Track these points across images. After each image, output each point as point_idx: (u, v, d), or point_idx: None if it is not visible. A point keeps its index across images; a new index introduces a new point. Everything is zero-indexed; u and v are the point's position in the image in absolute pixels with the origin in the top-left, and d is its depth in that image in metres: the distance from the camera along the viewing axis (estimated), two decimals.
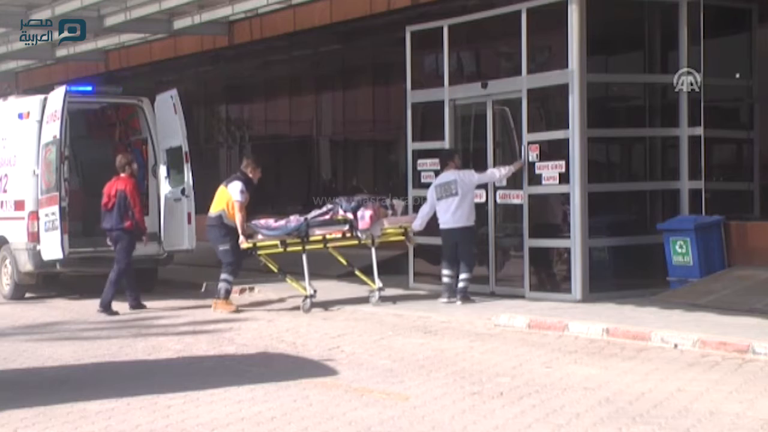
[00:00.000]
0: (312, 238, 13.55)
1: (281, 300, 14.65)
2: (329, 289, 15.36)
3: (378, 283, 13.47)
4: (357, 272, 13.87)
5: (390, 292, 13.86)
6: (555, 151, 13.24)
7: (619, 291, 12.95)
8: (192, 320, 13.11)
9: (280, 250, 13.58)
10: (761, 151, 14.25)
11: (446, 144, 14.50)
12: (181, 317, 13.44)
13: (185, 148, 15.71)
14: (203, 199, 15.80)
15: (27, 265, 15.46)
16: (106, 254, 15.76)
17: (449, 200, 13.33)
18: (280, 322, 12.61)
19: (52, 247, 14.63)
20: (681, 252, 12.89)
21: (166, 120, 16.03)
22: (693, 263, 12.81)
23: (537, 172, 13.32)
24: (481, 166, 13.93)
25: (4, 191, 16.11)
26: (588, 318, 11.27)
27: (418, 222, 13.66)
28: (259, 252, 13.65)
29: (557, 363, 9.34)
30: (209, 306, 14.22)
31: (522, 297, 13.37)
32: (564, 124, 12.95)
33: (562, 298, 12.92)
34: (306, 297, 13.44)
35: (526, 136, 13.40)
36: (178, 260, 16.77)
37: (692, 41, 13.31)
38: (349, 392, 8.25)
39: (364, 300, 13.72)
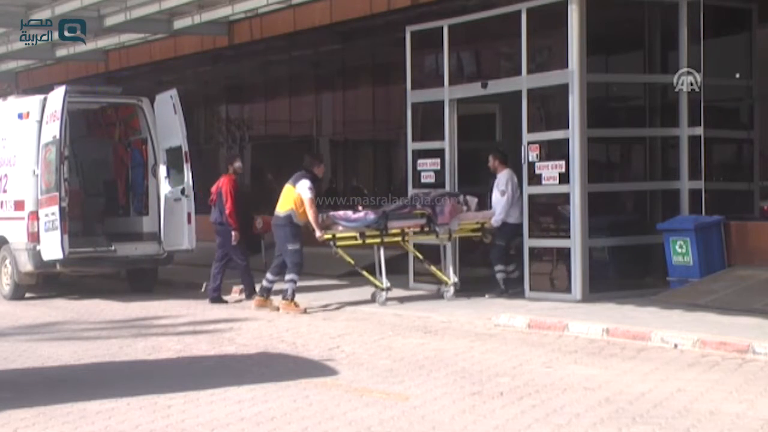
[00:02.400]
0: (390, 231, 13.59)
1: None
2: (329, 289, 15.39)
3: (386, 283, 13.49)
4: (364, 272, 13.84)
5: (390, 292, 13.85)
6: (555, 151, 13.24)
7: (619, 291, 12.94)
8: (192, 320, 13.11)
9: (359, 242, 13.59)
10: (761, 151, 14.25)
11: (446, 144, 14.50)
12: (181, 317, 13.43)
13: (185, 148, 15.72)
14: (203, 199, 15.82)
15: (27, 265, 15.45)
16: (106, 254, 15.81)
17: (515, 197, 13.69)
18: (280, 322, 12.61)
19: (52, 247, 14.63)
20: (681, 252, 12.89)
21: (166, 120, 16.03)
22: (693, 263, 12.81)
23: (537, 172, 13.32)
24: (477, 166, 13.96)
25: (4, 191, 16.10)
26: (588, 318, 11.26)
27: (500, 218, 13.72)
28: (337, 244, 13.60)
29: (557, 363, 9.34)
30: (209, 306, 14.22)
31: (522, 297, 13.37)
32: (564, 124, 12.95)
33: (562, 298, 12.91)
34: (382, 290, 13.45)
35: (526, 136, 13.39)
36: (178, 260, 16.77)
37: (692, 41, 13.31)
38: (349, 392, 8.25)
39: (364, 300, 13.72)
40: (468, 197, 14.00)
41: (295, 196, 13.41)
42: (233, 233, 14.69)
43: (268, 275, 13.77)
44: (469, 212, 13.88)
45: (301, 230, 13.53)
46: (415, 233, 13.80)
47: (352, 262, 13.77)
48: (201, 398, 8.10)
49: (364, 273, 13.81)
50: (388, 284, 13.50)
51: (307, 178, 13.55)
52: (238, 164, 15.22)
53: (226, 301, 14.92)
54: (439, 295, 13.80)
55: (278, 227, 13.59)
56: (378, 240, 13.54)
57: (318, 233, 13.30)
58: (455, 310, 12.64)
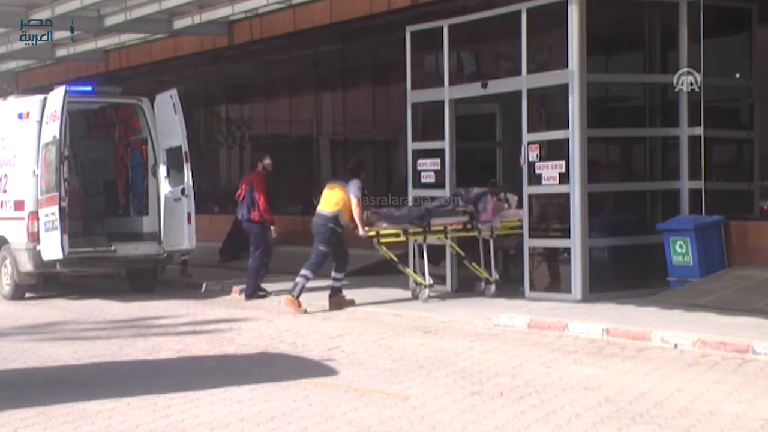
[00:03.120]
0: (433, 228, 13.62)
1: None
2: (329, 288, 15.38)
3: (429, 280, 13.52)
4: (407, 269, 13.89)
5: (390, 292, 13.86)
6: (555, 151, 13.24)
7: (619, 291, 12.93)
8: (192, 320, 13.11)
9: (402, 239, 13.66)
10: (761, 151, 14.25)
11: (446, 144, 14.49)
12: (181, 317, 13.43)
13: (185, 148, 15.72)
14: (203, 199, 15.82)
15: (27, 265, 15.45)
16: (106, 254, 15.81)
17: None
18: (280, 322, 12.61)
19: (52, 247, 14.63)
20: (681, 252, 12.89)
21: (166, 120, 16.04)
22: (693, 263, 12.80)
23: (537, 172, 13.31)
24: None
25: (4, 191, 16.10)
26: (588, 318, 11.26)
27: None
28: (381, 240, 13.62)
29: (557, 363, 9.34)
30: (209, 306, 14.21)
31: (522, 297, 13.37)
32: (564, 124, 12.95)
33: (562, 298, 12.91)
34: (425, 286, 13.48)
35: (526, 136, 13.39)
36: (177, 260, 16.76)
37: (692, 41, 13.30)
38: (349, 392, 8.25)
39: (365, 301, 13.71)
40: (508, 195, 14.05)
41: (344, 195, 13.39)
42: (272, 227, 14.83)
43: (334, 274, 13.62)
44: (510, 210, 13.91)
45: (343, 235, 13.50)
46: (457, 230, 13.82)
47: (395, 258, 13.84)
48: (201, 398, 8.10)
49: (407, 270, 13.87)
50: (431, 281, 13.54)
51: (358, 179, 13.59)
52: (267, 161, 15.24)
53: (267, 293, 14.96)
54: (479, 293, 13.79)
55: (321, 226, 13.48)
56: (421, 237, 13.57)
57: (361, 231, 13.34)
58: (455, 310, 12.63)
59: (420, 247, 13.70)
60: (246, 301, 14.80)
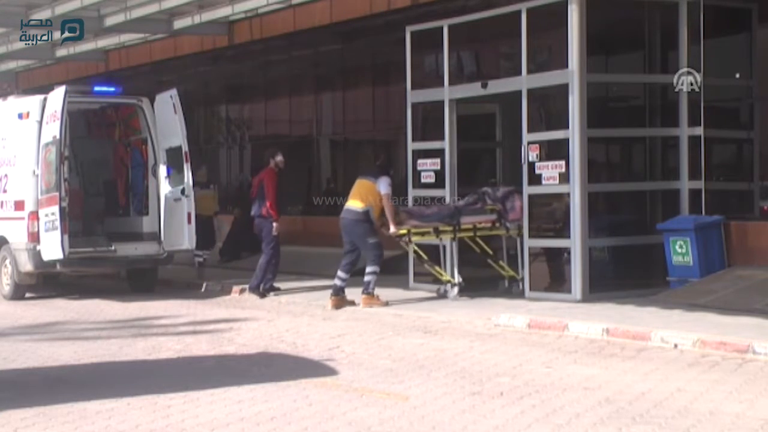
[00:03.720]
0: (463, 227, 13.65)
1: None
2: (329, 288, 15.37)
3: (458, 278, 13.54)
4: (436, 268, 13.90)
5: (389, 292, 13.85)
6: (555, 151, 13.24)
7: (619, 291, 12.93)
8: (192, 320, 13.11)
9: (433, 237, 13.68)
10: (761, 151, 14.25)
11: (446, 144, 14.49)
12: (181, 317, 13.43)
13: (185, 148, 15.72)
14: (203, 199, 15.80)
15: (27, 265, 15.46)
16: (106, 254, 15.81)
17: None
18: (280, 322, 12.61)
19: (52, 247, 14.63)
20: (681, 252, 12.89)
21: (166, 120, 16.04)
22: (693, 263, 12.80)
23: (537, 172, 13.31)
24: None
25: (4, 191, 16.10)
26: (588, 318, 11.26)
27: None
28: (412, 238, 13.67)
29: (557, 363, 9.34)
30: (209, 306, 14.20)
31: (522, 297, 13.37)
32: (564, 124, 12.95)
33: (562, 298, 12.91)
34: (453, 285, 13.52)
35: (526, 136, 13.39)
36: (178, 260, 16.78)
37: (692, 41, 13.31)
38: (349, 392, 8.25)
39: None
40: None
41: (375, 191, 13.40)
42: (274, 224, 14.86)
43: (341, 273, 13.57)
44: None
45: (374, 226, 13.57)
46: (485, 229, 13.83)
47: (425, 257, 13.88)
48: (201, 398, 8.09)
49: (436, 269, 13.88)
50: (460, 279, 13.56)
51: (388, 175, 13.61)
52: (279, 158, 15.29)
53: (278, 288, 15.07)
54: (503, 292, 13.80)
55: (355, 222, 13.48)
56: (451, 235, 13.61)
57: (393, 229, 13.37)
58: (455, 310, 12.63)
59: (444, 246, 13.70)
60: (248, 294, 14.95)
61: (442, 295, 13.74)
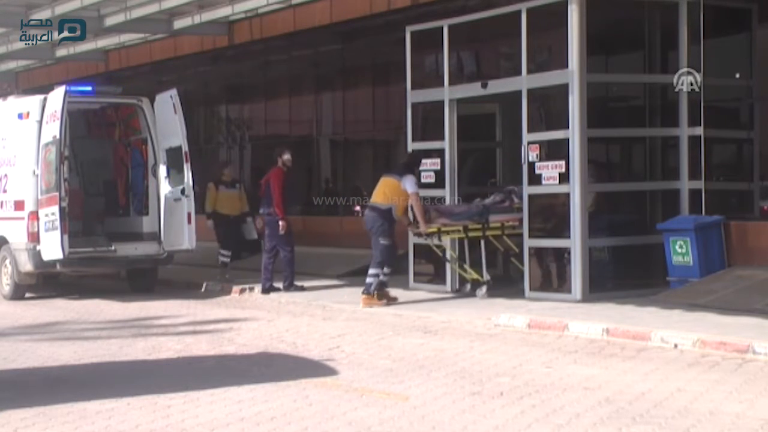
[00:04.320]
0: (491, 225, 13.68)
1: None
2: (330, 288, 15.40)
3: (486, 276, 13.56)
4: (464, 267, 13.94)
5: (390, 291, 13.84)
6: (555, 151, 13.24)
7: (619, 291, 12.94)
8: (192, 320, 13.11)
9: (462, 235, 13.72)
10: (761, 151, 14.25)
11: (446, 144, 14.49)
12: (181, 317, 13.44)
13: (185, 148, 15.73)
14: (203, 199, 15.79)
15: (27, 265, 15.46)
16: (106, 254, 15.81)
17: None
18: (280, 322, 12.61)
19: (52, 247, 14.63)
20: (681, 252, 12.89)
21: (166, 120, 16.04)
22: (693, 263, 12.81)
23: (537, 172, 13.31)
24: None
25: (4, 191, 16.11)
26: (588, 318, 11.26)
27: None
28: (442, 236, 13.67)
29: (557, 363, 9.34)
30: (209, 306, 14.19)
31: (522, 297, 13.36)
32: (564, 124, 12.95)
33: (562, 298, 12.91)
34: (482, 283, 13.55)
35: (526, 136, 13.39)
36: (178, 260, 16.77)
37: (692, 41, 13.31)
38: (349, 392, 8.25)
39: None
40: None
41: (400, 189, 13.36)
42: (281, 223, 14.93)
43: (370, 270, 13.51)
44: None
45: (394, 226, 13.54)
46: (513, 227, 13.82)
47: (455, 255, 13.94)
48: (201, 398, 8.10)
49: (463, 268, 13.88)
50: (488, 277, 13.58)
51: (413, 174, 13.60)
52: (287, 156, 15.34)
53: (278, 289, 15.11)
54: (521, 291, 13.72)
55: (375, 218, 13.41)
56: (480, 233, 13.62)
57: (423, 227, 13.38)
58: (455, 310, 12.63)
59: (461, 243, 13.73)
60: (290, 293, 14.98)
61: (467, 294, 13.70)
